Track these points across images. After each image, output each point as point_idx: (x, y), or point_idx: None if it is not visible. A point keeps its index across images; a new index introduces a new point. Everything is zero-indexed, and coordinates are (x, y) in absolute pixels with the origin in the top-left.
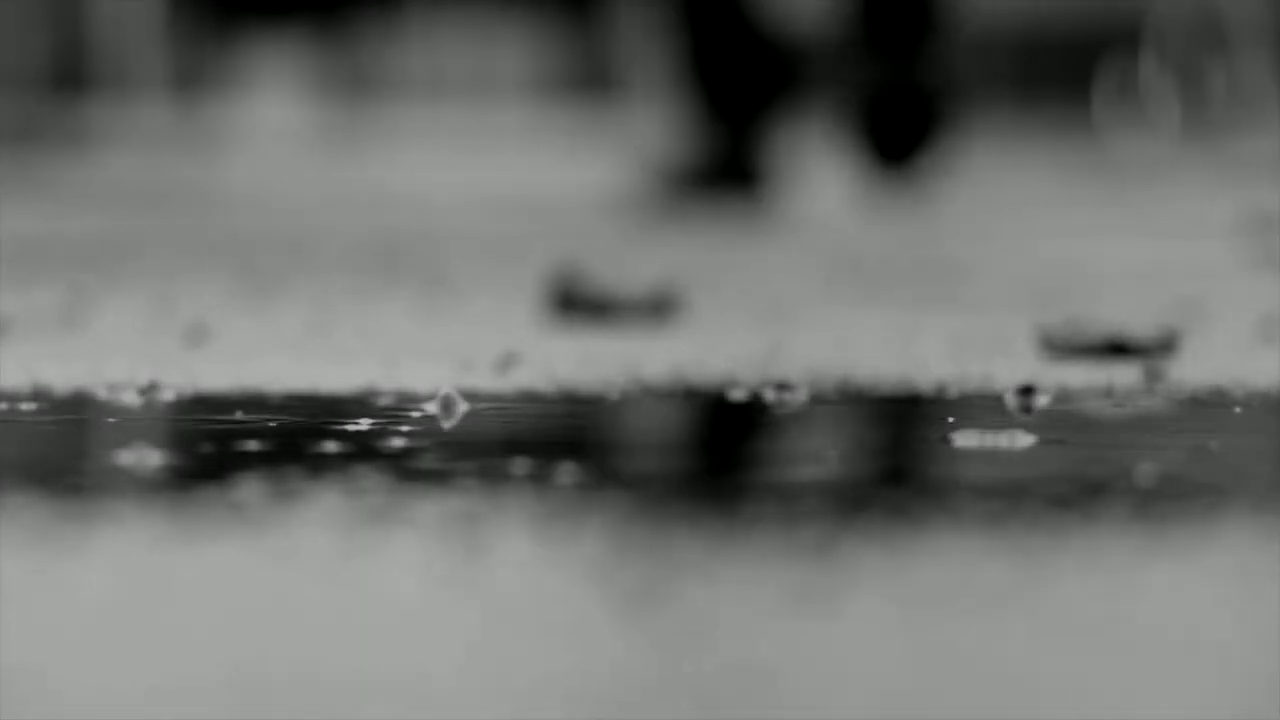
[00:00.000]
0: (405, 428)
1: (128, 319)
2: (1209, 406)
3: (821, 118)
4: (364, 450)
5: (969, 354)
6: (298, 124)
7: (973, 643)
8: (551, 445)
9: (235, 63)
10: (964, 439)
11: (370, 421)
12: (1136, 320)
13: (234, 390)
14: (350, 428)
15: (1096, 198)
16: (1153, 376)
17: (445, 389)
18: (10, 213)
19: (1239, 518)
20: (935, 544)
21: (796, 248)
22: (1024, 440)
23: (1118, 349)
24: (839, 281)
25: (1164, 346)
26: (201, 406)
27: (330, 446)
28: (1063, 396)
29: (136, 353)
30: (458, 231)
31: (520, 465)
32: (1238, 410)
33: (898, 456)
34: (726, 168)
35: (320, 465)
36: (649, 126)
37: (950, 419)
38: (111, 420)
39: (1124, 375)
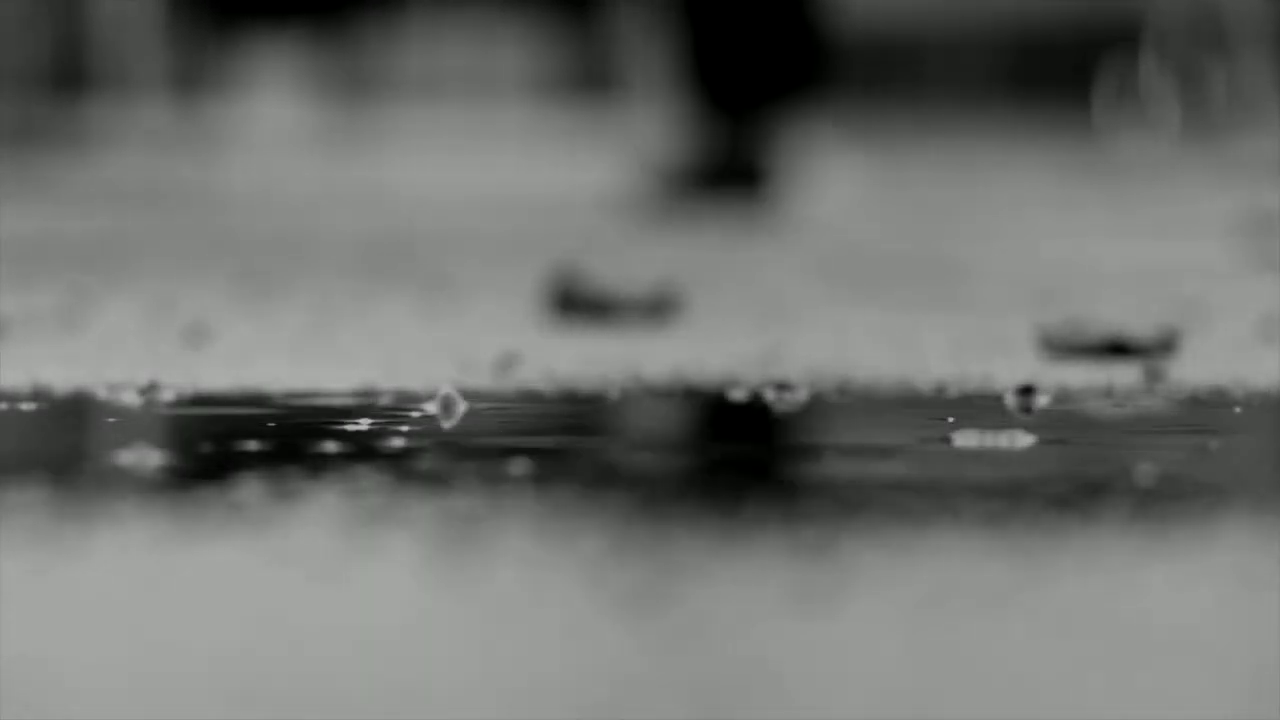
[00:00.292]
0: (405, 428)
1: (128, 319)
2: (1209, 406)
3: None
4: (364, 450)
5: (969, 354)
6: (297, 124)
7: (973, 643)
8: (551, 445)
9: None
10: (964, 439)
11: (370, 421)
12: (1136, 320)
13: (234, 390)
14: (350, 428)
15: (1096, 198)
16: (1153, 376)
17: (445, 389)
18: (10, 213)
19: (1239, 518)
20: (935, 544)
21: (796, 248)
22: (1024, 440)
23: (1118, 349)
24: (839, 281)
25: (1164, 346)
26: (201, 406)
27: (330, 446)
28: (1063, 396)
29: (136, 353)
30: (458, 231)
31: (520, 465)
32: (1238, 410)
33: (897, 456)
34: (726, 167)
35: (320, 465)
36: (649, 126)
37: (950, 419)
38: (111, 420)
39: (1124, 375)
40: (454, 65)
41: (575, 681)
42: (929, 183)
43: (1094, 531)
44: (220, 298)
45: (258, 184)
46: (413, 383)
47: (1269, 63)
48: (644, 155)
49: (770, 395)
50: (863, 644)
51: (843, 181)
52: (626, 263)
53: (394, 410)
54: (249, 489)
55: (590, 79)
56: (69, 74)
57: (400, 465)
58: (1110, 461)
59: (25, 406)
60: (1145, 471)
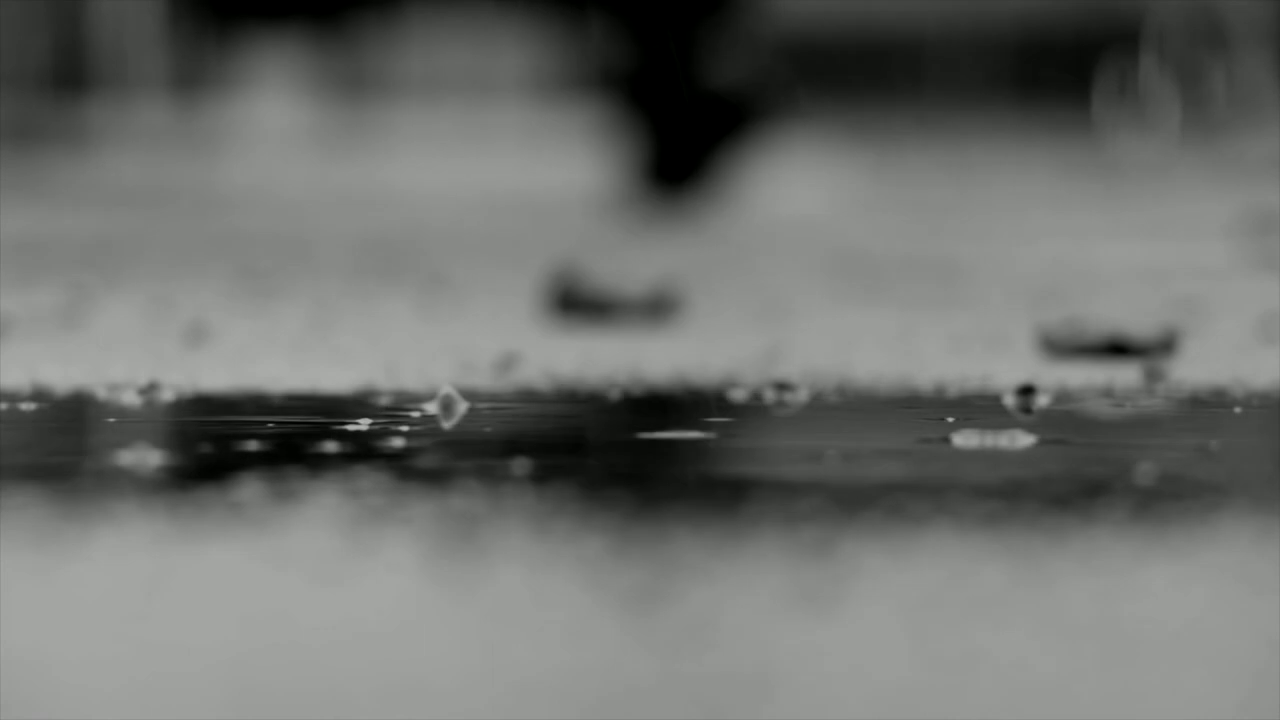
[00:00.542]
0: (405, 428)
1: (128, 319)
2: (1209, 406)
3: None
4: (364, 450)
5: (969, 354)
6: (297, 124)
7: (972, 643)
8: (551, 445)
9: (235, 63)
10: (964, 439)
11: (370, 421)
12: (1136, 320)
13: (234, 390)
14: (350, 428)
15: (1096, 198)
16: (1153, 376)
17: (445, 389)
18: (10, 213)
19: (1239, 518)
20: (935, 544)
21: (797, 247)
22: (1024, 440)
23: (1118, 349)
24: (839, 281)
25: (1164, 346)
26: (201, 406)
27: (330, 446)
28: (1063, 396)
29: (136, 353)
30: (457, 231)
31: (520, 465)
32: (1238, 410)
33: (897, 457)
34: (656, 173)
35: (320, 465)
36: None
37: (950, 419)
38: (111, 420)
39: (1124, 375)
40: (453, 65)
41: (575, 681)
42: (929, 183)
43: (1094, 531)
44: (220, 298)
45: (258, 184)
46: (413, 383)
47: (1269, 63)
48: (616, 154)
49: (770, 395)
50: (863, 644)
51: (824, 181)
52: (626, 263)
53: (394, 410)
54: (249, 489)
55: (590, 79)
56: (69, 74)
57: (400, 465)
58: (1110, 461)
59: (25, 406)
60: (1145, 471)
